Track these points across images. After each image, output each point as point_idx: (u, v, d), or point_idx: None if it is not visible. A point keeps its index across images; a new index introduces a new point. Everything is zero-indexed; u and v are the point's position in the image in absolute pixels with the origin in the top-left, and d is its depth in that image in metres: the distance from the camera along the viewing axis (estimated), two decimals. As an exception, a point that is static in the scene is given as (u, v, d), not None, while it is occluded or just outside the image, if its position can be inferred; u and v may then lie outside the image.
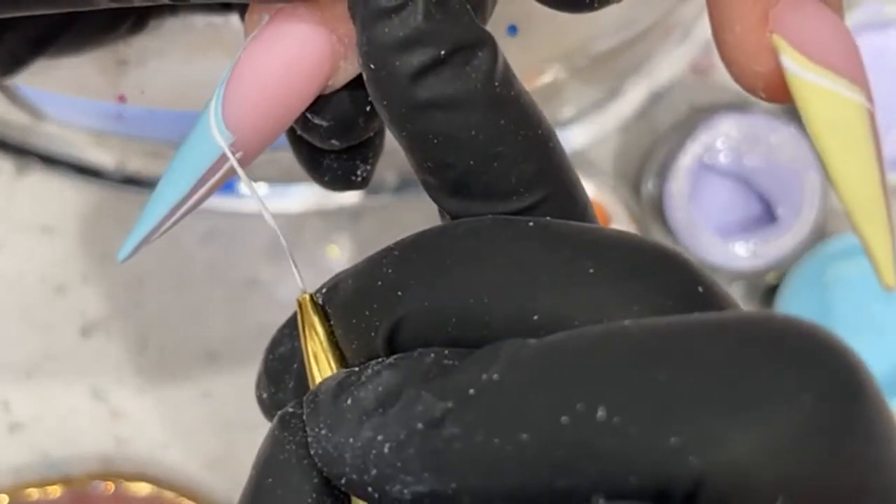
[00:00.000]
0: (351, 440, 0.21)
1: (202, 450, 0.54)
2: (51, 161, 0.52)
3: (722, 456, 0.18)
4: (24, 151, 0.52)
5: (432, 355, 0.21)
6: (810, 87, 0.22)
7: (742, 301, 0.56)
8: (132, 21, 0.31)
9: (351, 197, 0.53)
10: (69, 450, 0.53)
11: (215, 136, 0.24)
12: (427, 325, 0.22)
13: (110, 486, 0.52)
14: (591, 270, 0.21)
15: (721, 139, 0.51)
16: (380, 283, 0.23)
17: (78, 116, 0.50)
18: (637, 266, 0.22)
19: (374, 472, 0.21)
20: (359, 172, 0.28)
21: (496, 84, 0.23)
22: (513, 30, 0.39)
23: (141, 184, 0.52)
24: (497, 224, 0.23)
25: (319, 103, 0.26)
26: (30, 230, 0.53)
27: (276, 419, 0.23)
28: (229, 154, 0.25)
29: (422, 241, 0.23)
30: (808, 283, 0.53)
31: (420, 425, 0.20)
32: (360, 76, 0.25)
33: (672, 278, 0.22)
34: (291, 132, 0.28)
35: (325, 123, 0.26)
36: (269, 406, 0.26)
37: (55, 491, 0.52)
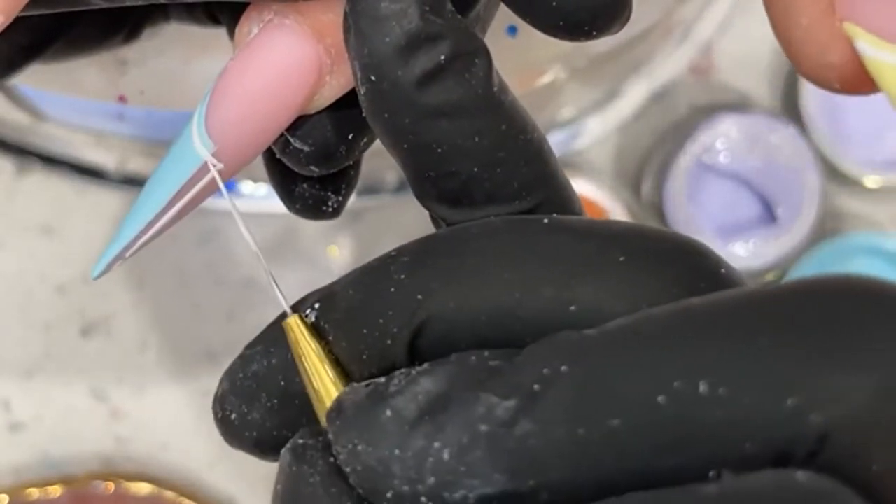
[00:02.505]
0: (397, 451, 0.20)
1: (202, 450, 0.54)
2: (51, 161, 0.52)
3: (845, 409, 0.19)
4: (24, 151, 0.52)
5: (473, 357, 0.21)
6: (895, 69, 0.22)
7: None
8: (126, 31, 0.31)
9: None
10: (69, 450, 0.53)
11: (196, 145, 0.24)
12: (453, 326, 0.22)
13: (110, 486, 0.52)
14: (622, 258, 0.22)
15: (721, 139, 0.51)
16: (393, 289, 0.22)
17: (78, 116, 0.50)
18: (663, 251, 0.22)
19: (430, 480, 0.20)
20: (330, 203, 0.28)
21: (495, 89, 0.23)
22: (512, 30, 0.39)
23: (141, 184, 0.52)
24: (514, 222, 0.23)
25: (302, 127, 0.26)
26: (30, 230, 0.53)
27: (287, 454, 0.22)
28: (211, 159, 0.24)
29: (435, 244, 0.23)
30: (807, 284, 0.53)
31: (484, 427, 0.20)
32: (342, 100, 0.25)
33: (699, 261, 0.22)
34: (269, 155, 0.28)
35: (305, 148, 0.26)
36: (239, 427, 0.24)
37: (55, 491, 0.52)
